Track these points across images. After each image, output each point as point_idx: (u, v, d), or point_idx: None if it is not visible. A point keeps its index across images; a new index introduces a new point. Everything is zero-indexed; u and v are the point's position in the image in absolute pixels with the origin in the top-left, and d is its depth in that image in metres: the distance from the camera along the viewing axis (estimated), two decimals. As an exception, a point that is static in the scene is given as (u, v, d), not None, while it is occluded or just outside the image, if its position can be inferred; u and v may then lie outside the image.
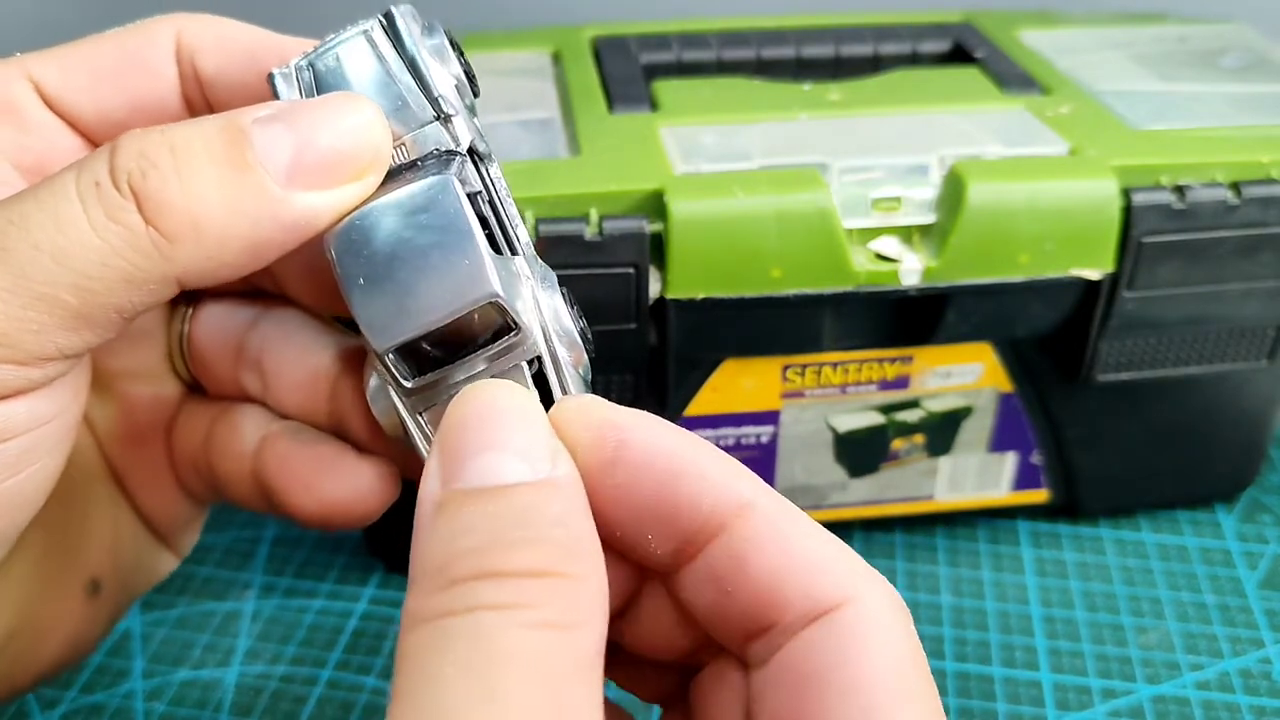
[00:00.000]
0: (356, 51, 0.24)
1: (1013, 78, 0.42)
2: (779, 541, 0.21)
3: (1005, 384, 0.40)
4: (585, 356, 0.23)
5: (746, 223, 0.34)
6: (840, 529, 0.35)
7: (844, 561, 0.21)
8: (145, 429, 0.30)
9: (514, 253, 0.24)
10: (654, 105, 0.41)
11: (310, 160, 0.22)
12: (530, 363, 0.23)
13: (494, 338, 0.23)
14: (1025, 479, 0.43)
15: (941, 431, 0.41)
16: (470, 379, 0.23)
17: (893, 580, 0.22)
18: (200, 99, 0.27)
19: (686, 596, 0.22)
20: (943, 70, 0.44)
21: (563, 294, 0.24)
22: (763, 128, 0.39)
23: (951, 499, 0.43)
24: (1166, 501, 0.45)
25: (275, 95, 0.24)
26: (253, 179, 0.22)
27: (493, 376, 0.23)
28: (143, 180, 0.21)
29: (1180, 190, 0.36)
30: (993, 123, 0.39)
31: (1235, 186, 0.36)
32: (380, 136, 0.23)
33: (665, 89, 0.42)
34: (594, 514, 0.22)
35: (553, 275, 0.24)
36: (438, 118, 0.24)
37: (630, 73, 0.43)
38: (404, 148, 0.24)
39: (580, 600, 0.19)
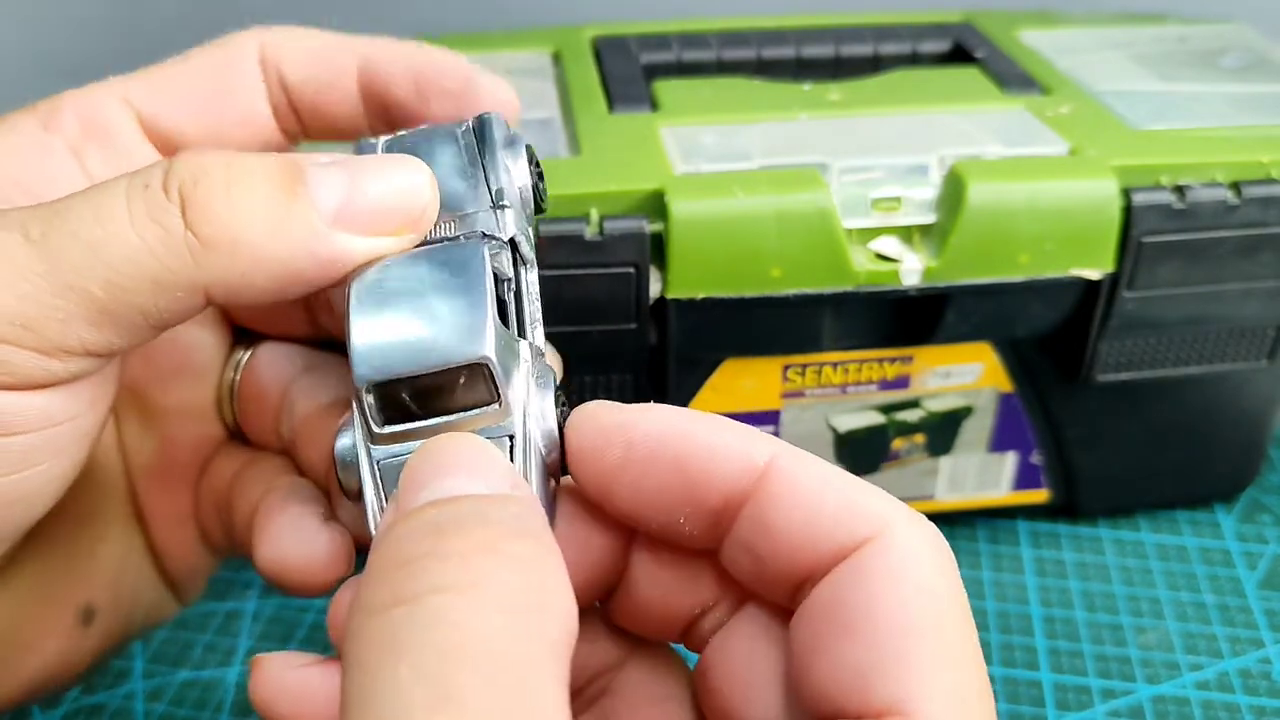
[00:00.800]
0: (439, 138, 0.26)
1: (1013, 78, 0.42)
2: (798, 498, 0.21)
3: (1005, 384, 0.40)
4: (560, 462, 0.23)
5: (746, 223, 0.34)
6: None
7: (866, 500, 0.21)
8: (180, 467, 0.31)
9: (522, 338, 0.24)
10: (654, 105, 0.41)
11: (358, 205, 0.23)
12: (502, 441, 0.23)
13: (474, 407, 0.23)
14: (1025, 479, 0.43)
15: (942, 431, 0.41)
16: None
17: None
18: (286, 105, 0.29)
19: (731, 569, 0.22)
20: (943, 70, 0.44)
21: (556, 398, 0.23)
22: (763, 128, 0.39)
23: (951, 499, 0.43)
24: (1166, 501, 0.45)
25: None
26: (300, 208, 0.22)
27: None
28: (193, 187, 0.22)
29: (1180, 190, 0.36)
30: (993, 123, 0.39)
31: (1235, 186, 0.36)
32: (427, 200, 0.24)
33: (665, 89, 0.42)
34: (625, 512, 0.22)
35: (551, 379, 0.24)
36: (491, 206, 0.25)
37: (630, 73, 0.43)
38: (451, 224, 0.25)
39: (546, 582, 0.18)
